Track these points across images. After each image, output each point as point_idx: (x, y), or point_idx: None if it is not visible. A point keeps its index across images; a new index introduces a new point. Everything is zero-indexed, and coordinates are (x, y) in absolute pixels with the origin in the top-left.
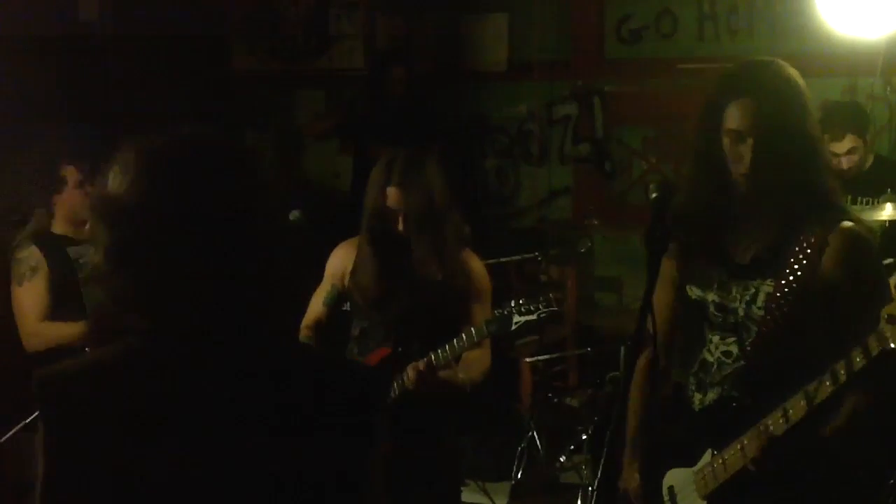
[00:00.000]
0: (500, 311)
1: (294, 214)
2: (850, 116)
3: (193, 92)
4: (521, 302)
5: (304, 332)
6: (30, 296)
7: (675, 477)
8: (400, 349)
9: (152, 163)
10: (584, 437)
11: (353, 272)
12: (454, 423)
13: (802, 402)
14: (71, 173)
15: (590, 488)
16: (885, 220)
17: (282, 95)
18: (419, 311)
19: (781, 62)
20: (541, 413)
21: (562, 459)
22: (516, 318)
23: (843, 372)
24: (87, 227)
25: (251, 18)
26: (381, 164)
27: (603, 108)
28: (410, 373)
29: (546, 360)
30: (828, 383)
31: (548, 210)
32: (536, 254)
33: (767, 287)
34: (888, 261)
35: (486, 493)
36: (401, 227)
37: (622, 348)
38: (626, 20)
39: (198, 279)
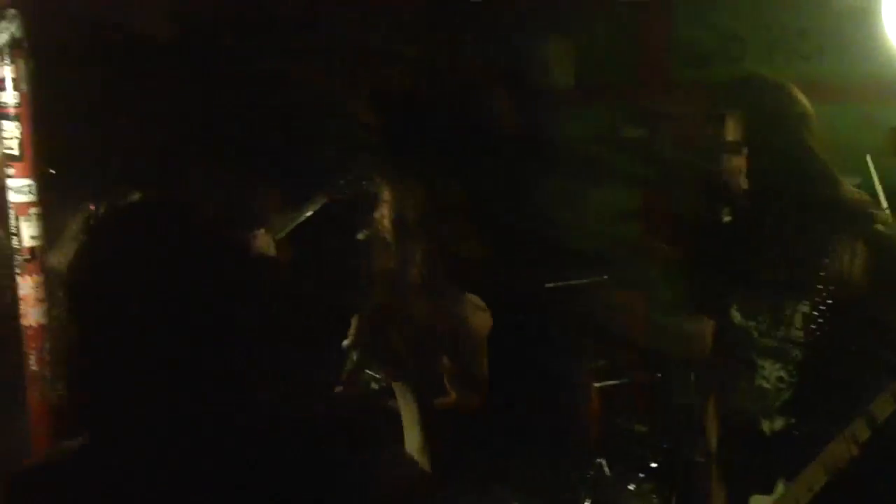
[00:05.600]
0: None
1: None
2: None
3: None
4: None
5: None
6: None
7: None
8: None
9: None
10: (654, 464)
11: None
12: None
13: (864, 426)
14: None
15: None
16: None
17: None
18: None
19: (777, 78)
20: (609, 439)
21: (631, 487)
22: None
23: None
24: None
25: None
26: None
27: (671, 132)
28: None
29: (615, 385)
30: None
31: (616, 232)
32: (605, 276)
33: (804, 307)
34: None
35: None
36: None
37: (692, 374)
38: (694, 44)
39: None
